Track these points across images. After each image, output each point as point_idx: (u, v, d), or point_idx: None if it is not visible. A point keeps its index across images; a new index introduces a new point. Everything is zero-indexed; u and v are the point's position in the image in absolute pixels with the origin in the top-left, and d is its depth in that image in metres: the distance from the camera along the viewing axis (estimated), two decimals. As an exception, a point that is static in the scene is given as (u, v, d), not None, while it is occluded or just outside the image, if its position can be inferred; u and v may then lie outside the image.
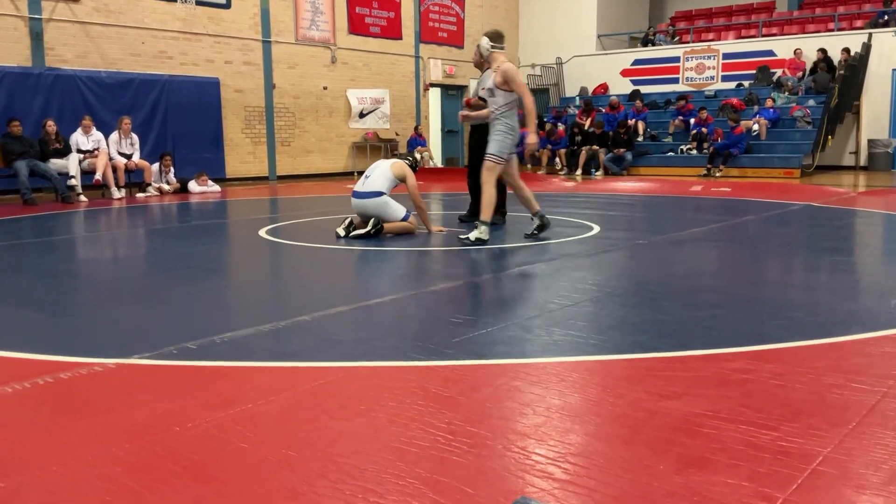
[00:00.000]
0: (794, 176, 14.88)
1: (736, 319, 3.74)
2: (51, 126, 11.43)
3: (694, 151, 16.46)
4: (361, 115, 18.02)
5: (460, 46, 20.53)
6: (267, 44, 15.96)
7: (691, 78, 19.63)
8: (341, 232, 6.77)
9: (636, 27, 22.23)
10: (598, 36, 21.31)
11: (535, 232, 6.62)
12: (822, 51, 17.27)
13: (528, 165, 17.82)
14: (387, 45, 18.59)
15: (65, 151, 11.49)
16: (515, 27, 22.33)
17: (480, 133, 7.58)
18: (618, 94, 19.24)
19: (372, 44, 18.10)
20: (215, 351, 3.23)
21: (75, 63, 13.07)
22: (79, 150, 11.67)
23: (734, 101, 17.42)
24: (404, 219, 6.86)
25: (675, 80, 19.79)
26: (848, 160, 17.28)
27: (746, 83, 18.63)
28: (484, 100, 7.28)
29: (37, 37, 12.62)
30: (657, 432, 2.28)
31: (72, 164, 11.36)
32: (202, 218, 9.46)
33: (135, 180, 12.48)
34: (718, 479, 1.96)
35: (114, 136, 12.22)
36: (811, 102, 16.54)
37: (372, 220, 6.75)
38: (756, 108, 17.03)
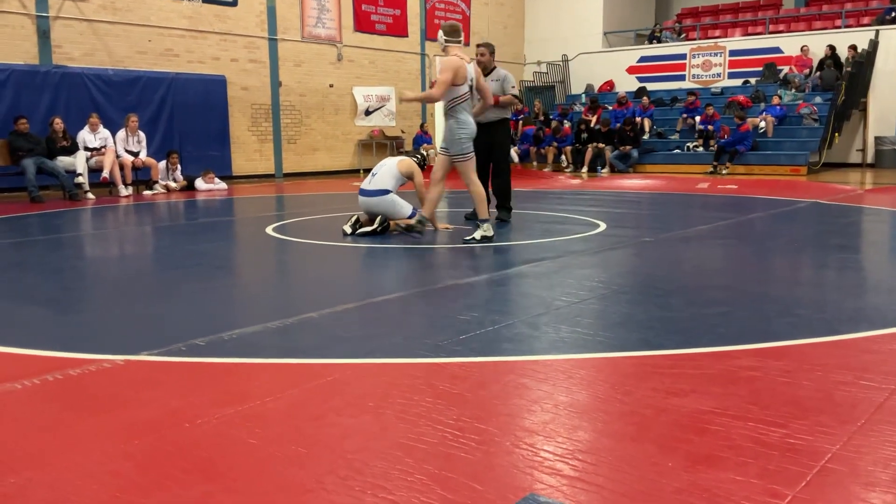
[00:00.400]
0: (800, 173, 14.83)
1: (743, 317, 3.73)
2: (58, 124, 11.45)
3: (700, 149, 16.42)
4: (367, 113, 18.02)
5: (466, 44, 20.48)
6: (273, 41, 15.97)
7: (698, 75, 19.59)
8: (348, 229, 6.78)
9: (642, 24, 22.18)
10: (605, 33, 21.27)
11: (405, 229, 6.60)
12: (830, 48, 17.21)
13: (535, 163, 17.82)
14: (392, 42, 18.58)
15: (72, 149, 11.52)
16: (521, 24, 22.30)
17: (485, 134, 7.62)
18: (624, 92, 19.19)
19: (378, 41, 18.10)
20: (223, 348, 3.24)
21: (82, 61, 13.10)
22: (86, 148, 11.70)
23: (741, 98, 17.37)
24: (411, 216, 6.86)
25: (682, 78, 19.74)
26: (855, 157, 17.22)
27: (753, 80, 18.57)
28: (517, 97, 7.65)
29: (44, 35, 12.65)
30: (665, 429, 2.28)
31: (79, 161, 11.39)
32: (209, 215, 9.48)
33: (142, 178, 12.50)
34: (727, 476, 1.96)
35: (121, 133, 12.24)
36: (818, 100, 16.49)
37: (378, 218, 6.76)
38: (763, 105, 16.98)
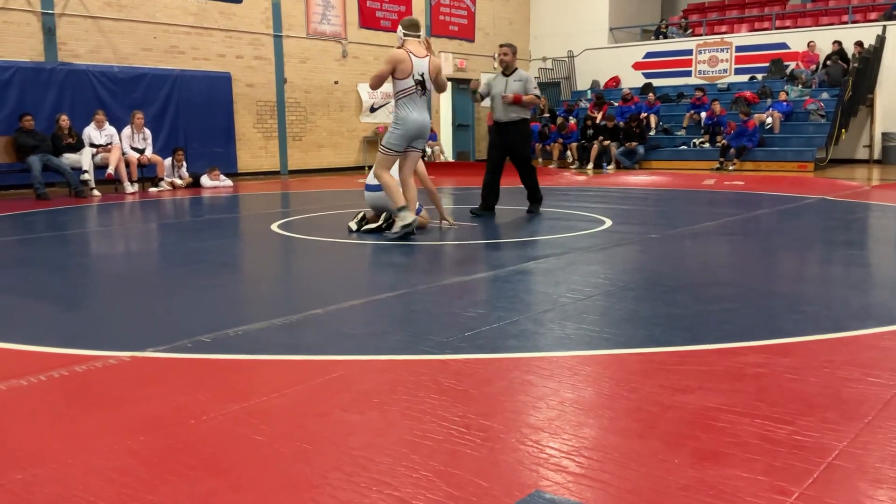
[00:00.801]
0: (807, 169, 14.79)
1: (750, 313, 3.72)
2: (64, 121, 11.48)
3: (706, 145, 16.38)
4: (372, 110, 18.01)
5: (471, 40, 20.47)
6: (278, 38, 15.97)
7: (704, 71, 19.53)
8: (353, 226, 6.77)
9: (648, 20, 22.10)
10: (610, 29, 21.21)
11: (385, 229, 6.54)
12: (837, 43, 17.13)
13: (540, 160, 17.80)
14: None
15: (78, 146, 11.54)
16: (527, 20, 22.25)
17: (505, 133, 7.86)
18: (630, 88, 19.16)
19: (383, 38, 18.07)
20: (229, 344, 3.24)
21: (87, 58, 13.12)
22: (92, 145, 11.72)
23: (747, 94, 17.32)
24: (416, 213, 6.85)
25: (688, 73, 19.68)
26: (862, 153, 17.16)
27: (759, 76, 18.51)
28: (539, 97, 7.91)
29: (49, 32, 12.67)
30: (671, 426, 2.27)
31: (85, 158, 11.42)
32: (214, 212, 9.49)
33: (147, 175, 12.53)
34: (734, 472, 1.95)
35: (126, 130, 12.27)
36: (825, 95, 16.42)
37: (384, 215, 6.75)
38: (769, 101, 16.92)
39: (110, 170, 11.55)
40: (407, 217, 6.18)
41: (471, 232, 6.93)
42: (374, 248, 6.10)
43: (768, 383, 2.64)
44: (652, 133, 17.27)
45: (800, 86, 17.21)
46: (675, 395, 2.53)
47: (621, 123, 16.83)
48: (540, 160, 17.90)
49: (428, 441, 2.18)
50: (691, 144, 16.70)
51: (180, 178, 12.73)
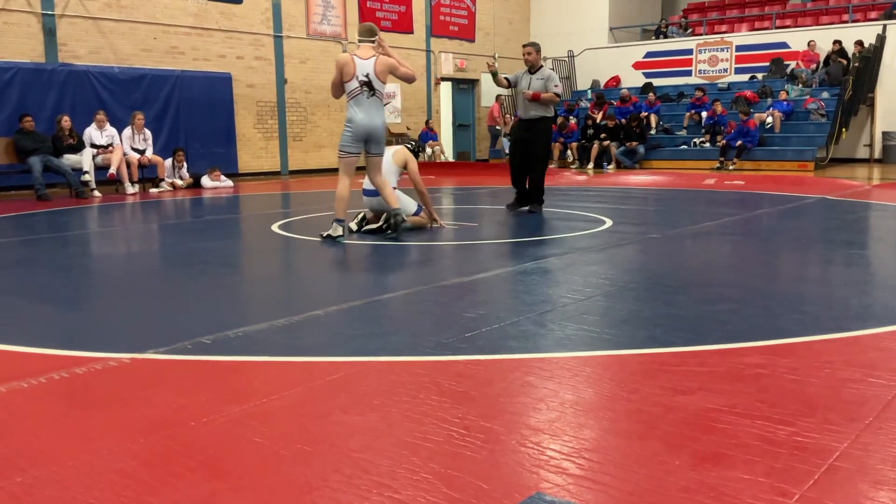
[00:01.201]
0: (808, 169, 14.78)
1: (751, 313, 3.71)
2: (66, 122, 11.48)
3: (707, 144, 16.37)
4: (373, 110, 17.97)
5: (471, 40, 20.47)
6: (278, 39, 15.97)
7: (704, 70, 19.52)
8: (353, 227, 6.77)
9: (648, 20, 22.10)
10: (611, 28, 21.21)
11: (387, 230, 6.52)
12: (837, 42, 17.13)
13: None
14: (398, 39, 18.55)
15: (78, 147, 11.55)
16: (527, 20, 22.26)
17: (525, 130, 8.16)
18: (630, 87, 19.16)
19: (383, 38, 18.06)
20: (229, 345, 3.24)
21: (88, 59, 13.12)
22: (92, 145, 11.72)
23: (747, 93, 17.31)
24: (415, 213, 6.86)
25: (688, 73, 19.68)
26: (862, 153, 17.15)
27: (760, 75, 18.51)
28: (559, 95, 8.07)
29: (49, 32, 12.67)
30: (672, 427, 2.27)
31: (85, 159, 11.42)
32: (215, 213, 9.49)
33: (148, 176, 12.53)
34: (734, 474, 1.95)
35: (127, 131, 12.27)
36: (825, 95, 16.42)
37: (384, 216, 6.74)
38: (769, 100, 16.92)
39: (112, 170, 11.55)
40: (337, 229, 6.29)
41: (470, 233, 6.93)
42: (374, 248, 6.10)
43: (769, 384, 2.63)
44: (652, 133, 17.26)
45: (800, 85, 17.20)
46: (675, 396, 2.53)
47: (623, 121, 16.81)
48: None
49: (428, 443, 2.18)
50: (692, 144, 16.69)
51: (181, 178, 12.73)
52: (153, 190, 12.28)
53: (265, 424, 2.34)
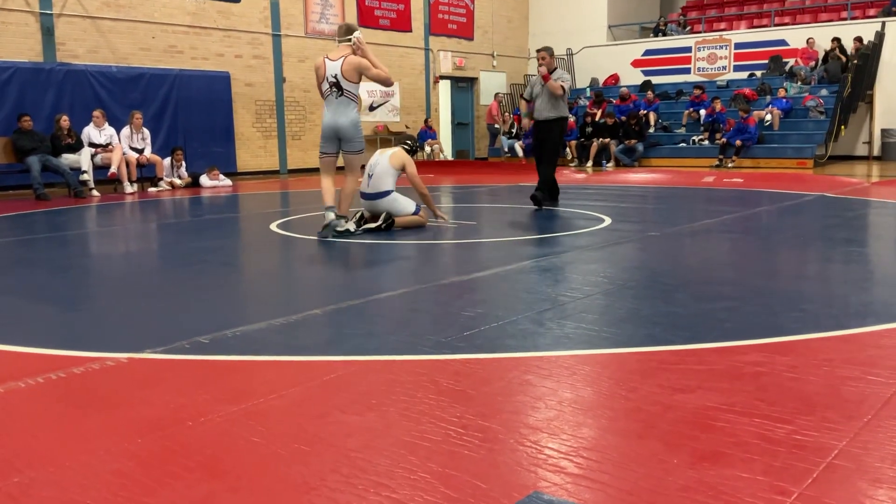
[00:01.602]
0: (807, 166, 14.78)
1: (750, 312, 3.71)
2: (65, 121, 11.48)
3: (706, 142, 16.37)
4: (371, 108, 18.01)
5: (470, 38, 20.46)
6: (277, 37, 15.96)
7: (703, 68, 19.51)
8: (352, 226, 6.76)
9: (647, 17, 22.10)
10: (609, 26, 21.21)
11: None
12: (836, 40, 17.12)
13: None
14: (396, 37, 18.55)
15: (77, 146, 11.54)
16: (525, 18, 22.25)
17: (541, 130, 8.46)
18: (628, 85, 19.14)
19: (381, 36, 18.07)
20: (227, 345, 3.23)
21: (86, 58, 13.11)
22: (91, 144, 11.72)
23: (746, 91, 17.30)
24: (415, 213, 6.86)
25: (687, 71, 19.67)
26: (861, 150, 17.15)
27: (759, 73, 18.50)
28: (563, 89, 8.34)
29: (48, 32, 12.66)
30: (671, 426, 2.26)
31: (84, 158, 11.41)
32: (214, 212, 9.49)
33: (146, 175, 12.52)
34: (733, 473, 1.94)
35: (125, 130, 12.26)
36: (824, 92, 16.42)
37: (383, 215, 6.75)
38: (768, 98, 16.92)
39: (113, 168, 11.55)
40: (336, 220, 6.46)
41: (469, 231, 6.92)
42: (372, 247, 6.10)
43: (768, 382, 2.63)
44: (651, 131, 17.26)
45: (799, 82, 17.20)
46: (674, 394, 2.53)
47: (623, 118, 16.80)
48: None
49: (426, 442, 2.17)
50: (690, 142, 16.68)
51: (179, 177, 12.72)
52: (152, 189, 12.28)
53: (263, 424, 2.34)
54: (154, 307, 4.15)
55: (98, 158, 11.66)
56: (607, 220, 7.21)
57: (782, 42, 18.43)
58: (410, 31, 18.87)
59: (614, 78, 20.56)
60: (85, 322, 3.92)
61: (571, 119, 18.00)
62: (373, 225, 6.71)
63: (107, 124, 12.07)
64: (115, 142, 11.96)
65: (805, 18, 19.55)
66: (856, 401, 2.44)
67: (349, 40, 6.51)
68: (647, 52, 20.36)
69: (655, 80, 19.50)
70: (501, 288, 4.43)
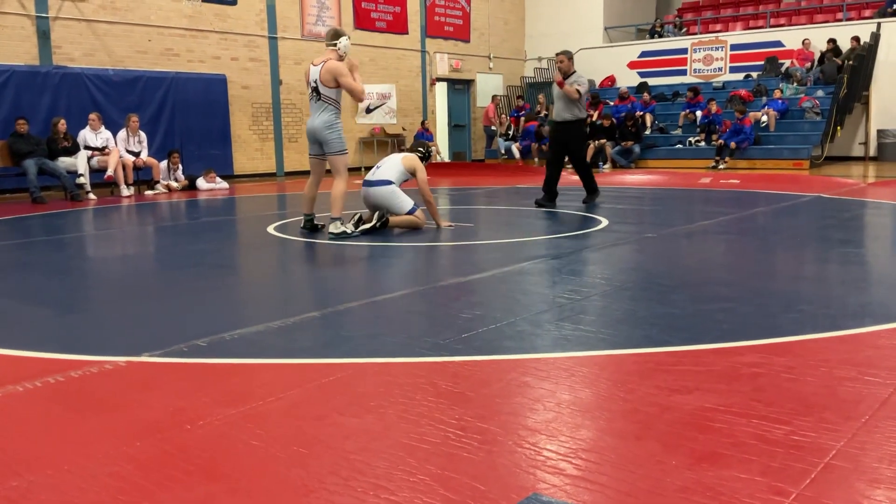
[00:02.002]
0: (803, 167, 14.80)
1: (747, 313, 3.72)
2: (62, 125, 11.46)
3: (702, 143, 16.39)
4: (368, 111, 18.00)
5: (466, 40, 20.48)
6: (273, 40, 15.96)
7: (699, 69, 19.54)
8: (349, 228, 6.77)
9: (643, 19, 22.13)
10: (605, 28, 21.23)
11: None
12: (832, 41, 17.16)
13: (536, 160, 17.80)
14: (393, 39, 18.56)
15: (73, 150, 11.53)
16: (522, 20, 22.27)
17: (560, 132, 8.73)
18: (626, 87, 19.15)
19: (378, 39, 18.08)
20: (225, 348, 3.23)
21: (82, 61, 13.10)
22: (87, 147, 11.70)
23: (742, 92, 17.33)
24: (411, 212, 6.86)
25: (683, 72, 19.69)
26: (857, 151, 17.18)
27: (755, 74, 18.53)
28: (579, 92, 8.47)
29: (44, 35, 12.65)
30: (668, 427, 2.27)
31: (80, 162, 11.40)
32: (211, 215, 9.48)
33: (143, 178, 12.51)
34: (731, 473, 1.95)
35: (121, 133, 12.24)
36: (820, 93, 16.44)
37: (377, 214, 6.76)
38: (764, 99, 16.94)
39: (110, 171, 11.53)
40: (340, 227, 6.61)
41: (467, 233, 6.93)
42: (370, 250, 6.10)
43: (765, 383, 2.64)
44: (648, 132, 17.27)
45: (795, 83, 17.23)
46: (671, 395, 2.53)
47: (622, 114, 16.81)
48: (536, 160, 17.90)
49: (425, 444, 2.17)
50: (687, 143, 16.71)
51: (176, 180, 12.70)
52: (148, 192, 12.26)
53: (261, 427, 2.34)
54: (151, 310, 4.14)
55: (94, 161, 11.65)
56: (604, 222, 7.22)
57: (778, 43, 18.47)
58: (407, 33, 18.88)
59: (610, 80, 20.58)
60: (83, 326, 3.92)
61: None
62: (368, 226, 6.71)
63: (103, 127, 12.06)
64: (111, 145, 11.95)
65: (801, 19, 19.59)
66: (853, 401, 2.45)
67: (335, 45, 6.72)
68: (644, 54, 20.39)
69: (652, 81, 19.52)
70: (499, 290, 4.43)
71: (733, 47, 19.06)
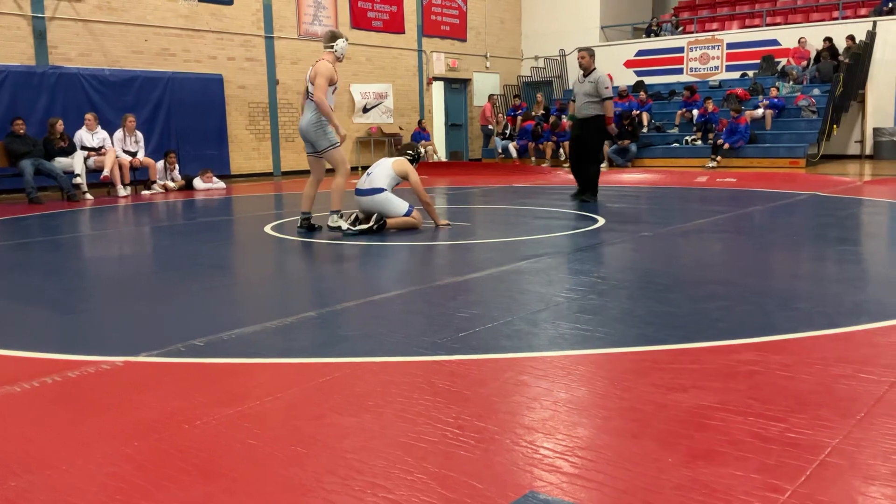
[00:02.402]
0: (799, 165, 14.82)
1: (743, 311, 3.73)
2: (59, 125, 11.45)
3: (699, 142, 16.41)
4: (365, 110, 18.00)
5: (463, 40, 20.47)
6: (269, 39, 15.95)
7: (695, 68, 19.56)
8: (343, 224, 6.77)
9: (640, 18, 22.14)
10: (602, 27, 21.24)
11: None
12: (828, 39, 17.18)
13: (533, 159, 17.81)
14: (389, 39, 18.55)
15: (70, 150, 11.51)
16: (518, 19, 22.27)
17: (579, 127, 8.99)
18: (625, 86, 19.16)
19: (374, 38, 18.07)
20: (223, 348, 3.24)
21: (79, 61, 13.08)
22: (83, 147, 11.69)
23: (739, 91, 17.35)
24: (407, 214, 6.86)
25: (680, 71, 19.71)
26: (853, 149, 17.21)
27: (751, 73, 18.55)
28: (610, 98, 8.82)
29: (40, 35, 12.63)
30: (665, 425, 2.28)
31: (76, 162, 11.39)
32: (207, 215, 9.48)
33: (140, 178, 12.50)
34: (727, 471, 1.95)
35: (118, 133, 12.23)
36: (816, 91, 16.47)
37: (374, 216, 6.76)
38: (761, 97, 16.95)
39: (106, 171, 11.52)
40: (333, 220, 6.76)
41: (464, 232, 6.93)
42: (367, 249, 6.10)
43: (761, 381, 2.65)
44: (644, 131, 17.28)
45: (791, 82, 17.25)
46: (668, 393, 2.54)
47: (619, 111, 16.81)
48: (533, 159, 17.91)
49: (422, 443, 2.18)
50: (683, 142, 16.72)
51: (173, 180, 12.70)
52: (145, 192, 12.25)
53: (259, 426, 2.34)
54: (149, 310, 4.15)
55: (91, 162, 11.63)
56: (601, 221, 7.23)
57: (774, 42, 18.49)
58: (403, 32, 18.88)
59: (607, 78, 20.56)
60: (80, 326, 3.92)
61: (565, 120, 18.04)
62: (365, 226, 6.72)
63: (99, 127, 12.05)
64: (107, 145, 11.94)
65: (797, 18, 19.62)
66: (849, 399, 2.46)
67: (331, 47, 6.93)
68: (640, 53, 20.40)
69: (648, 80, 19.54)
70: (496, 289, 4.44)
71: (729, 46, 19.08)
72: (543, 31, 21.70)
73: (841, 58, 16.62)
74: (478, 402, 2.51)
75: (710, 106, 16.50)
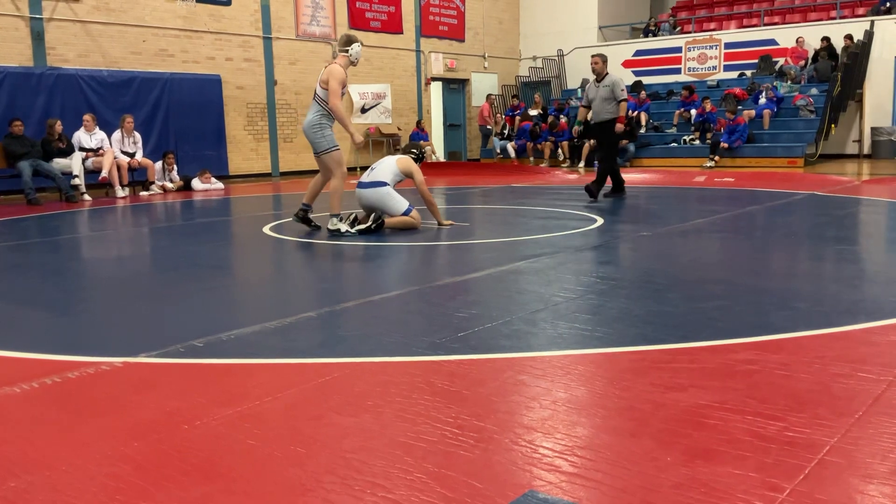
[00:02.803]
0: (797, 165, 14.84)
1: (741, 310, 3.73)
2: (58, 126, 11.45)
3: (697, 142, 16.42)
4: (363, 111, 18.00)
5: (461, 40, 20.48)
6: (268, 40, 15.95)
7: (693, 68, 19.58)
8: (343, 227, 6.77)
9: (638, 18, 22.16)
10: (600, 27, 21.25)
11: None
12: (826, 39, 17.20)
13: (531, 158, 17.82)
14: (387, 39, 18.56)
15: (68, 151, 11.51)
16: (516, 19, 22.28)
17: (599, 131, 9.23)
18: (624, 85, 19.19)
19: (372, 38, 18.07)
20: (222, 348, 3.24)
21: (77, 62, 13.07)
22: (81, 148, 11.69)
23: (737, 90, 17.36)
24: (406, 213, 6.87)
25: (678, 71, 19.73)
26: (851, 148, 17.23)
27: (749, 72, 18.57)
28: (625, 100, 9.19)
29: (38, 36, 12.62)
30: (663, 424, 2.28)
31: (75, 163, 11.39)
32: (206, 216, 9.47)
33: (138, 179, 12.50)
34: (725, 470, 1.96)
35: (116, 134, 12.23)
36: (814, 91, 16.49)
37: (373, 215, 6.76)
38: (762, 97, 16.96)
39: (104, 173, 11.52)
40: (332, 223, 6.77)
41: (463, 232, 6.94)
42: (366, 249, 6.10)
43: (759, 380, 2.65)
44: (642, 131, 17.29)
45: (789, 82, 17.27)
46: (666, 393, 2.54)
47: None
48: (531, 159, 17.92)
49: (422, 443, 2.18)
50: (681, 142, 16.73)
51: (171, 181, 12.70)
52: (143, 193, 12.25)
53: (258, 427, 2.34)
54: (148, 311, 4.15)
55: (89, 163, 11.63)
56: (599, 221, 7.24)
57: (772, 41, 18.51)
58: (402, 32, 18.88)
59: (606, 78, 20.58)
60: (79, 327, 3.92)
61: (563, 120, 18.07)
62: (363, 226, 6.72)
63: (97, 128, 12.05)
64: (105, 146, 11.94)
65: (794, 18, 19.64)
66: (846, 397, 2.46)
67: (346, 51, 6.84)
68: (638, 53, 20.41)
69: (646, 80, 19.55)
70: (495, 289, 4.44)
71: (727, 46, 19.10)
72: (541, 32, 21.71)
73: (839, 56, 16.63)
74: (477, 402, 2.52)
75: (708, 106, 16.51)
